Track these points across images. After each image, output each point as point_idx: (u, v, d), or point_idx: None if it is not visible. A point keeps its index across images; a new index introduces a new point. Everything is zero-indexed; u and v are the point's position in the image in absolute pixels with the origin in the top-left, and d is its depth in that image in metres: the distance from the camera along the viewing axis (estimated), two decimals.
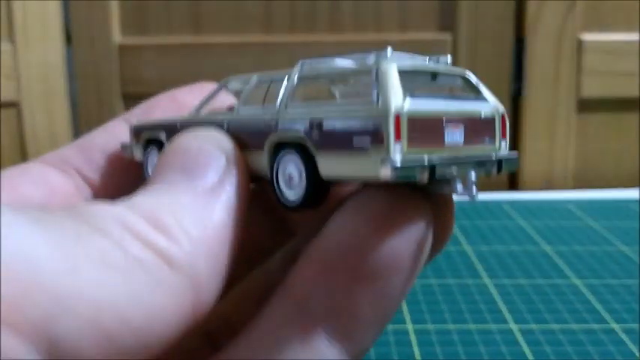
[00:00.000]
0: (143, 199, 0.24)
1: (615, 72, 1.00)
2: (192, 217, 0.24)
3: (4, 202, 0.30)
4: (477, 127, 0.26)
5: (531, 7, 0.99)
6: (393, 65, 0.24)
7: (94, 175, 0.35)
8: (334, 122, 0.24)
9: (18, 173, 0.33)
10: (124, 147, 0.35)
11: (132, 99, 1.04)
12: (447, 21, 1.02)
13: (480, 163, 0.25)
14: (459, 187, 0.24)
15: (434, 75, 0.27)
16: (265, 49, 1.03)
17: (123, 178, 0.36)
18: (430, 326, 0.51)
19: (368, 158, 0.23)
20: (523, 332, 0.50)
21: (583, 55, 1.00)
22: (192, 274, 0.22)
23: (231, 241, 0.25)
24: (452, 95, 0.26)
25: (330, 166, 0.25)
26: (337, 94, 0.31)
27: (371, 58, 0.26)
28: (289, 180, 0.27)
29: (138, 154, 0.35)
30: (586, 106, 1.02)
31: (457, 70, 0.28)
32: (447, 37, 1.02)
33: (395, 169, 0.22)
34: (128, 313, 0.20)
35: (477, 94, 0.27)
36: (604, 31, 1.00)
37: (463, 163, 0.24)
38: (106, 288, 0.19)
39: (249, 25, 1.04)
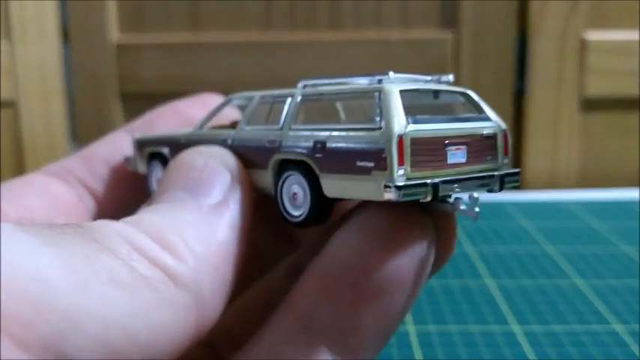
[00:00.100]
0: (149, 217, 0.25)
1: (619, 71, 1.00)
2: (196, 235, 0.24)
3: (8, 215, 0.30)
4: (479, 146, 0.26)
5: (534, 6, 0.99)
6: (395, 88, 0.25)
7: (97, 186, 0.36)
8: (338, 144, 0.25)
9: (21, 185, 0.33)
10: (127, 160, 0.36)
11: (130, 98, 1.05)
12: (449, 19, 1.01)
13: (483, 182, 0.26)
14: (462, 205, 0.25)
15: (436, 93, 0.28)
16: (265, 48, 1.03)
17: (125, 190, 0.37)
18: (432, 327, 0.51)
19: (372, 181, 0.24)
20: (525, 333, 0.49)
21: (586, 54, 1.00)
22: (197, 291, 0.23)
23: (235, 258, 0.25)
24: (453, 116, 0.27)
25: (333, 186, 0.25)
26: (341, 111, 0.32)
27: (374, 81, 0.27)
28: (293, 198, 0.27)
29: (141, 167, 0.36)
30: (589, 105, 1.02)
31: (458, 88, 0.28)
32: (448, 35, 1.01)
33: (398, 191, 0.23)
34: (135, 330, 0.20)
35: (480, 112, 0.28)
36: (607, 30, 1.00)
37: (465, 182, 0.25)
38: (114, 306, 0.20)
39: (249, 24, 1.04)
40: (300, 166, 0.27)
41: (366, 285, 0.24)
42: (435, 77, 0.29)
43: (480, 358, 0.46)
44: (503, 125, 0.28)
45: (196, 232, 0.24)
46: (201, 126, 0.33)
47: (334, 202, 0.27)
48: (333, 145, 0.25)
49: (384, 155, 0.23)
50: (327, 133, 0.26)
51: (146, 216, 0.25)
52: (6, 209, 0.31)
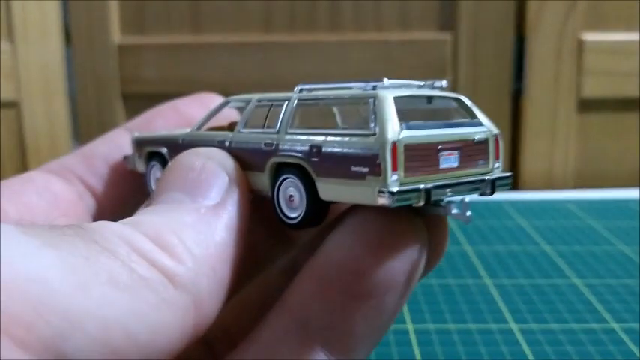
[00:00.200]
0: (148, 218, 0.25)
1: (616, 72, 1.00)
2: (195, 236, 0.25)
3: (8, 213, 0.31)
4: (471, 151, 0.27)
5: (532, 7, 0.99)
6: (389, 95, 0.25)
7: (97, 184, 0.36)
8: (333, 149, 0.25)
9: (21, 182, 0.33)
10: (126, 158, 0.36)
11: (131, 99, 1.05)
12: (448, 20, 1.02)
13: (474, 186, 0.26)
14: (454, 209, 0.25)
15: (429, 98, 0.28)
16: (265, 49, 1.03)
17: (124, 188, 0.37)
18: (430, 326, 0.51)
19: (366, 186, 0.24)
20: (523, 332, 0.50)
21: (584, 55, 1.00)
22: (195, 292, 0.23)
23: (233, 259, 0.26)
24: (446, 121, 0.27)
25: (328, 190, 0.26)
26: (337, 114, 0.32)
27: (368, 87, 0.27)
28: (290, 200, 0.28)
29: (140, 166, 0.36)
30: (586, 105, 1.02)
31: (451, 94, 0.29)
32: (447, 36, 1.02)
33: (392, 197, 0.23)
34: (134, 330, 0.21)
35: (472, 117, 0.28)
36: (605, 31, 1.00)
37: (458, 187, 0.25)
38: (114, 306, 0.20)
39: (249, 25, 1.04)
40: (296, 169, 0.27)
41: (360, 286, 0.25)
42: (429, 82, 0.29)
43: (479, 356, 0.46)
44: (495, 130, 0.28)
45: (194, 233, 0.25)
46: (200, 127, 0.33)
47: (329, 204, 0.27)
48: (329, 149, 0.26)
49: (378, 161, 0.24)
50: (322, 138, 0.26)
51: (145, 217, 0.25)
52: (6, 207, 0.31)
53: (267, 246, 0.33)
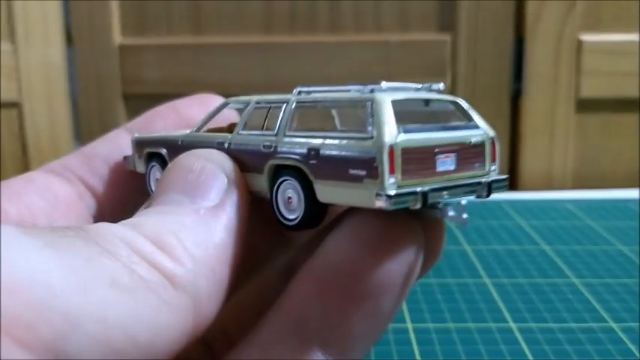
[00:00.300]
0: (148, 220, 0.25)
1: (614, 72, 1.00)
2: (194, 238, 0.25)
3: (9, 213, 0.31)
4: (468, 154, 0.27)
5: (531, 8, 0.99)
6: (387, 98, 0.25)
7: (97, 184, 0.36)
8: (331, 152, 0.25)
9: (22, 183, 0.33)
10: (126, 158, 0.36)
11: (132, 99, 1.05)
12: (447, 21, 1.02)
13: (471, 188, 0.26)
14: (450, 212, 0.25)
15: (426, 101, 0.28)
16: (266, 50, 1.04)
17: (124, 188, 0.36)
18: (430, 325, 0.51)
19: (363, 189, 0.24)
20: (522, 331, 0.50)
21: (582, 56, 1.00)
22: (195, 294, 0.23)
23: (232, 260, 0.26)
24: (443, 124, 0.27)
25: (326, 192, 0.26)
26: (336, 117, 0.32)
27: (366, 90, 0.27)
28: (288, 202, 0.28)
29: (140, 166, 0.36)
30: (585, 106, 1.02)
31: (449, 97, 0.29)
32: (446, 37, 1.02)
33: (389, 200, 0.23)
34: (134, 331, 0.21)
35: (469, 120, 0.28)
36: (603, 32, 1.01)
37: (454, 189, 0.26)
38: (115, 308, 0.20)
39: (250, 26, 1.04)
40: (294, 171, 0.27)
41: (357, 288, 0.25)
42: (426, 85, 0.29)
43: (478, 355, 0.46)
44: (492, 133, 0.28)
45: (194, 235, 0.25)
46: (199, 128, 0.33)
47: (327, 206, 0.27)
48: (327, 152, 0.26)
49: (375, 164, 0.24)
50: (320, 141, 0.26)
51: (145, 219, 0.25)
52: (6, 207, 0.31)
53: (266, 247, 0.33)
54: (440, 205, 0.26)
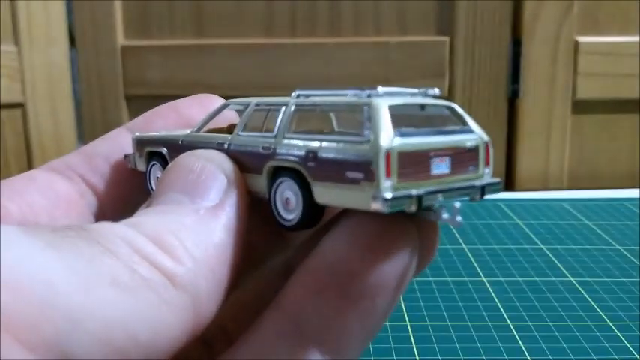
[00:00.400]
0: (149, 219, 0.25)
1: (611, 74, 1.01)
2: (194, 237, 0.25)
3: (11, 211, 0.31)
4: (462, 158, 0.27)
5: (528, 10, 1.00)
6: (384, 103, 0.26)
7: (98, 182, 0.35)
8: (328, 155, 0.26)
9: (24, 181, 0.33)
10: (127, 157, 0.36)
11: (135, 100, 1.05)
12: (445, 23, 1.02)
13: (465, 192, 0.27)
14: (445, 215, 0.25)
15: (422, 106, 0.29)
16: (266, 51, 1.04)
17: (125, 186, 0.36)
18: (428, 323, 0.51)
19: (360, 191, 0.24)
20: (519, 329, 0.50)
21: (579, 57, 1.00)
22: (194, 293, 0.23)
23: (231, 260, 0.26)
24: (438, 129, 0.27)
25: (324, 194, 0.26)
26: (334, 119, 0.32)
27: (363, 95, 0.27)
28: (286, 203, 0.28)
29: (140, 165, 0.36)
30: (581, 107, 1.02)
31: (444, 102, 0.29)
32: (445, 39, 1.02)
33: (385, 203, 0.23)
34: (135, 330, 0.21)
35: (463, 124, 0.29)
36: (600, 34, 1.01)
37: (449, 193, 0.26)
38: (116, 307, 0.21)
39: (251, 28, 1.05)
40: (293, 173, 0.27)
41: (353, 288, 0.25)
42: (422, 90, 0.30)
43: (475, 352, 0.47)
44: (486, 137, 0.28)
45: (194, 234, 0.25)
46: (199, 129, 0.33)
47: (325, 207, 0.27)
48: (325, 155, 0.26)
49: (372, 168, 0.24)
50: (318, 144, 0.26)
51: (145, 218, 0.25)
52: (8, 205, 0.31)
53: (264, 246, 0.33)
54: (434, 208, 0.26)
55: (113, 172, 0.36)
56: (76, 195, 0.34)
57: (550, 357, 0.46)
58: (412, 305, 0.54)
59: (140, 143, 0.36)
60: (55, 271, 0.20)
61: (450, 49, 1.02)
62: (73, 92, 1.06)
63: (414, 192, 0.24)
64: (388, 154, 0.24)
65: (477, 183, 0.27)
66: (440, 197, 0.25)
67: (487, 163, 0.28)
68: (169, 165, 0.29)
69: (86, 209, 0.35)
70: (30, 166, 1.04)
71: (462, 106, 0.30)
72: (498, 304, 0.55)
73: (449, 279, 0.60)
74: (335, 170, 0.25)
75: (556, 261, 0.65)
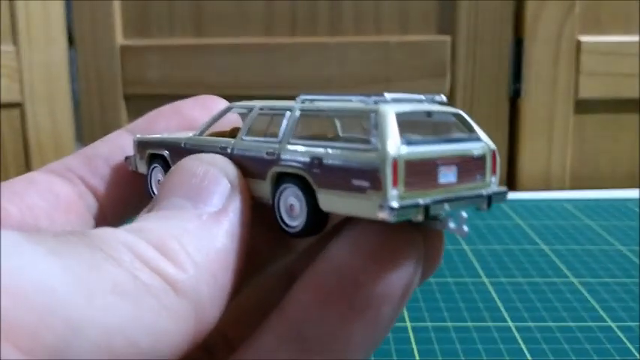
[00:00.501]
0: (150, 225, 0.25)
1: (613, 73, 1.01)
2: (196, 243, 0.24)
3: (11, 214, 0.31)
4: (469, 166, 0.27)
5: (530, 9, 1.00)
6: (391, 110, 0.25)
7: (98, 184, 0.35)
8: (334, 161, 0.25)
9: (24, 183, 0.33)
10: (127, 159, 0.36)
11: (134, 100, 1.05)
12: (447, 22, 1.02)
13: (471, 201, 0.26)
14: (451, 224, 0.25)
15: (429, 113, 0.28)
16: (266, 51, 1.04)
17: (126, 188, 0.36)
18: (429, 324, 0.51)
19: (366, 200, 0.24)
20: (520, 330, 0.50)
21: (581, 57, 1.00)
22: (196, 300, 0.23)
23: (234, 266, 0.26)
24: (446, 137, 0.27)
25: (329, 201, 0.26)
26: (339, 126, 0.32)
27: (370, 101, 0.27)
28: (290, 209, 0.28)
29: (142, 167, 0.35)
30: (584, 107, 1.02)
31: (451, 109, 0.29)
32: (446, 38, 1.02)
33: (392, 212, 0.23)
34: (136, 337, 0.21)
35: (470, 132, 0.28)
36: (602, 33, 1.01)
37: (456, 202, 0.25)
38: (117, 314, 0.20)
39: (251, 27, 1.05)
40: (297, 179, 0.27)
41: (357, 298, 0.25)
42: (429, 97, 0.29)
43: (476, 354, 0.46)
44: (493, 146, 0.28)
45: (196, 240, 0.24)
46: (202, 132, 0.33)
47: (329, 214, 0.27)
48: (330, 162, 0.25)
49: (378, 176, 0.24)
50: (324, 150, 0.26)
51: (147, 223, 0.25)
52: (8, 208, 0.31)
53: (267, 252, 0.33)
54: (441, 217, 0.26)
55: (113, 174, 0.36)
56: (75, 197, 0.34)
57: (551, 358, 0.46)
58: (413, 306, 0.54)
59: (141, 145, 0.35)
60: (56, 278, 0.19)
61: (452, 49, 1.02)
62: (71, 92, 1.06)
63: (420, 201, 0.24)
64: (395, 163, 0.24)
65: (484, 192, 0.27)
66: (447, 206, 0.25)
67: (494, 172, 0.28)
68: (172, 168, 0.29)
69: (86, 211, 0.34)
70: (28, 166, 1.04)
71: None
72: (499, 305, 0.55)
73: (450, 279, 0.60)
74: (341, 177, 0.25)
75: (558, 261, 0.65)
